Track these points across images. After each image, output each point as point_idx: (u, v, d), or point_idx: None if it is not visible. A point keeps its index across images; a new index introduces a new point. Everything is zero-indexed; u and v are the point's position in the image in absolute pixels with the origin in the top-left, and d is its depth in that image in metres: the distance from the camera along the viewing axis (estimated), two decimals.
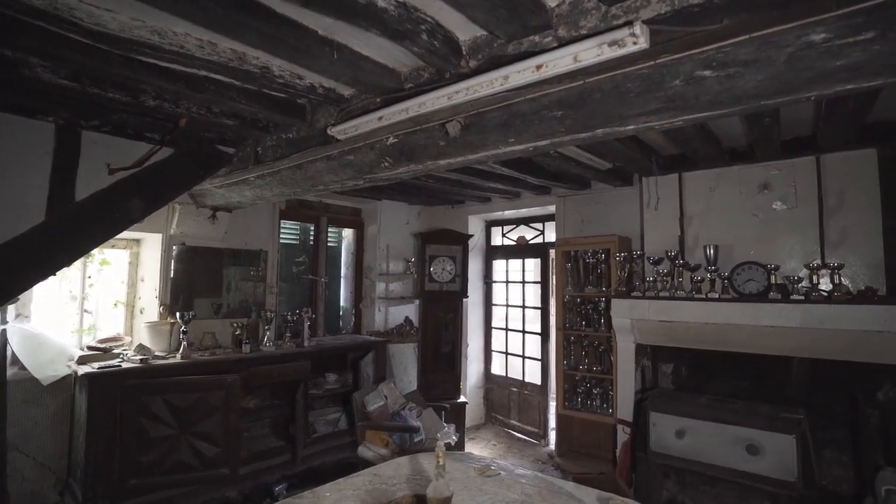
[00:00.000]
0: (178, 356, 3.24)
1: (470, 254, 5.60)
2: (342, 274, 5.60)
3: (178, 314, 3.36)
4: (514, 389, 5.40)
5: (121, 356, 3.18)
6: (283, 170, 2.63)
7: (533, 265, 5.48)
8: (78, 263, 3.58)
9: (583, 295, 4.40)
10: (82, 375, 2.83)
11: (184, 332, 3.30)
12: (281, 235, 4.78)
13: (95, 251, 3.68)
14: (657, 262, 3.70)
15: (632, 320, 3.61)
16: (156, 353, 3.31)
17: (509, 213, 5.56)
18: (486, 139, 1.86)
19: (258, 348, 3.67)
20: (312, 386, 3.88)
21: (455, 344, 4.98)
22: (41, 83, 2.00)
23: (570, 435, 4.26)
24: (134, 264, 3.82)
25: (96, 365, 2.96)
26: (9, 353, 3.04)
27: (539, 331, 5.20)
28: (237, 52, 1.78)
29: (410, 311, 5.47)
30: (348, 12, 1.41)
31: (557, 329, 4.52)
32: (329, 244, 5.46)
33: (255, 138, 2.88)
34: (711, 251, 3.43)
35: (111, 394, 2.83)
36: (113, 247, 3.71)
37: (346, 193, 5.13)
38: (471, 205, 5.68)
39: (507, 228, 5.81)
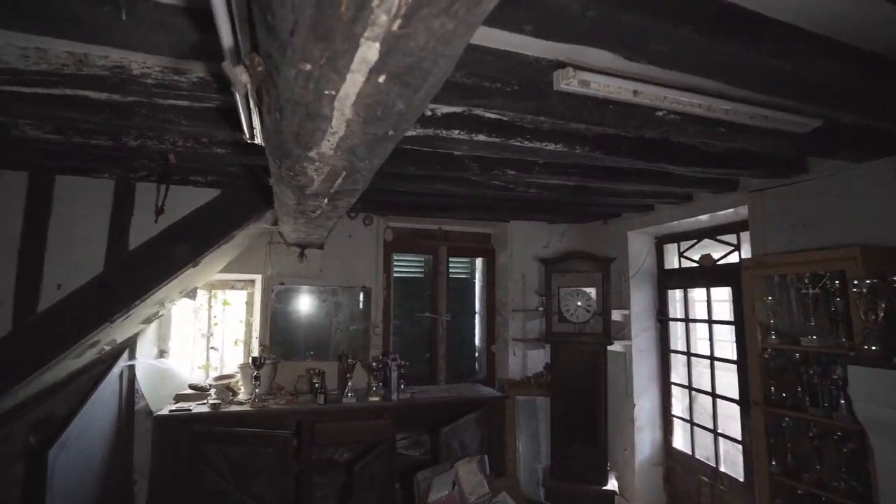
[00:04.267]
0: (249, 404, 3.11)
1: (635, 281, 4.20)
2: (476, 310, 4.92)
3: (250, 358, 3.27)
4: (706, 479, 3.66)
5: (208, 398, 3.23)
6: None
7: (724, 296, 3.72)
8: (205, 303, 3.93)
9: (800, 348, 2.62)
10: (154, 416, 2.92)
11: (256, 378, 3.17)
12: (395, 269, 4.45)
13: (219, 292, 3.99)
14: None
15: None
16: (237, 398, 3.26)
17: (686, 224, 3.94)
18: None
19: (339, 399, 3.30)
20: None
21: (596, 407, 3.65)
22: (31, 140, 2.06)
23: None
24: (250, 304, 4.00)
25: (175, 406, 3.04)
26: (137, 387, 3.43)
27: (737, 397, 3.42)
28: (76, 55, 1.41)
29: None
30: None
31: (754, 403, 2.81)
32: (460, 276, 4.89)
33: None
34: None
35: (176, 439, 2.83)
36: (232, 287, 3.96)
37: (472, 217, 4.51)
38: (629, 217, 4.29)
39: (684, 244, 4.15)
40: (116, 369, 3.10)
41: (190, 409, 2.98)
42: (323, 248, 3.75)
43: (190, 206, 2.79)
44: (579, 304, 3.72)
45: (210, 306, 3.91)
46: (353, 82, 0.80)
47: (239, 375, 3.47)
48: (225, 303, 3.97)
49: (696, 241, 3.99)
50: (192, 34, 1.21)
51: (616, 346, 4.00)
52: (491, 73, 1.55)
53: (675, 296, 4.24)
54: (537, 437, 4.02)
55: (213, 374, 3.83)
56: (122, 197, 2.70)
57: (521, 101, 1.67)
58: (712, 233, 3.81)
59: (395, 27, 0.63)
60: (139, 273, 2.67)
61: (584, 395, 3.62)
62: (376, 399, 3.35)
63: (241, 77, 0.87)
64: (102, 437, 2.91)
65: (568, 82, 1.56)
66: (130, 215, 2.70)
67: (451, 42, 0.69)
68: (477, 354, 4.83)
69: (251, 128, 1.41)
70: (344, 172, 1.41)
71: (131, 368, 3.37)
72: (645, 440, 4.12)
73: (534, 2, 1.08)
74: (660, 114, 1.84)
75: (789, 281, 2.76)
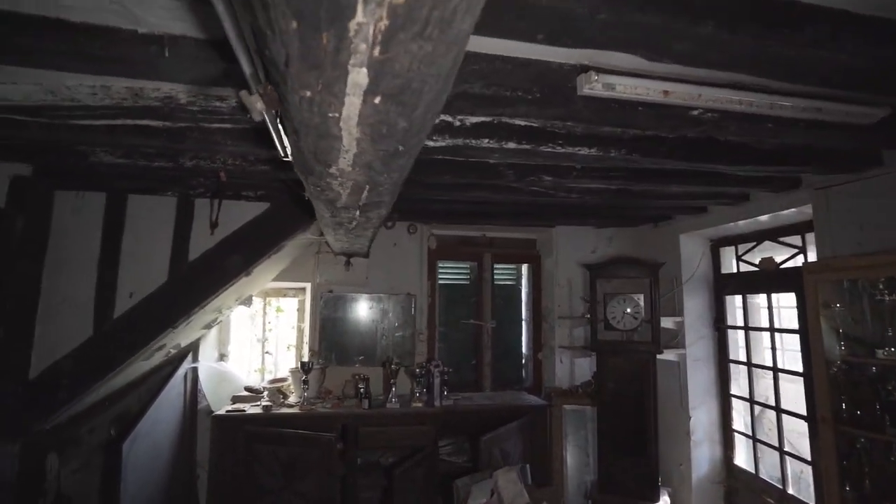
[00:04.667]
0: (298, 406, 3.26)
1: (689, 286, 3.99)
2: (523, 317, 4.86)
3: (300, 363, 3.42)
4: (771, 501, 3.39)
5: (261, 400, 3.42)
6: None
7: (788, 302, 3.44)
8: (260, 309, 4.17)
9: (876, 361, 2.39)
10: (213, 416, 3.13)
11: (304, 382, 3.32)
12: (440, 276, 4.50)
13: (273, 299, 4.22)
14: None
15: None
16: (287, 401, 3.43)
17: (744, 225, 3.70)
18: None
19: (383, 404, 3.38)
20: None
21: (646, 418, 3.48)
22: (105, 165, 2.30)
23: None
24: (301, 311, 4.19)
25: (231, 407, 3.25)
26: (199, 387, 3.70)
27: (805, 413, 3.15)
28: (132, 89, 1.57)
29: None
30: None
31: (822, 420, 2.57)
32: (506, 283, 4.87)
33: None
34: None
35: (232, 438, 3.02)
36: (284, 295, 4.18)
37: (515, 224, 4.49)
38: (681, 219, 4.09)
39: (742, 247, 3.89)
40: (181, 371, 3.36)
41: (244, 410, 3.17)
42: (368, 257, 3.87)
43: (242, 220, 2.98)
44: (627, 310, 3.58)
45: (265, 313, 4.14)
46: (352, 104, 0.84)
47: (290, 379, 3.65)
48: (278, 310, 4.19)
49: (755, 243, 3.73)
50: (223, 63, 1.32)
51: (668, 355, 3.81)
52: (512, 83, 1.55)
53: (735, 302, 3.97)
54: (586, 449, 3.90)
55: (268, 377, 4.05)
56: (183, 212, 2.93)
57: (546, 108, 1.66)
58: (773, 234, 3.55)
59: (376, 53, 0.67)
60: (198, 282, 2.89)
61: (632, 405, 3.47)
62: (419, 405, 3.40)
63: (256, 105, 0.94)
64: (169, 433, 3.16)
65: (591, 86, 1.53)
66: (190, 229, 2.93)
67: (435, 62, 0.72)
68: (524, 362, 4.77)
69: (283, 146, 1.50)
70: (367, 186, 1.47)
71: (194, 370, 3.64)
72: (703, 456, 3.88)
73: (542, 10, 1.09)
74: (695, 113, 1.76)
75: (861, 287, 2.53)
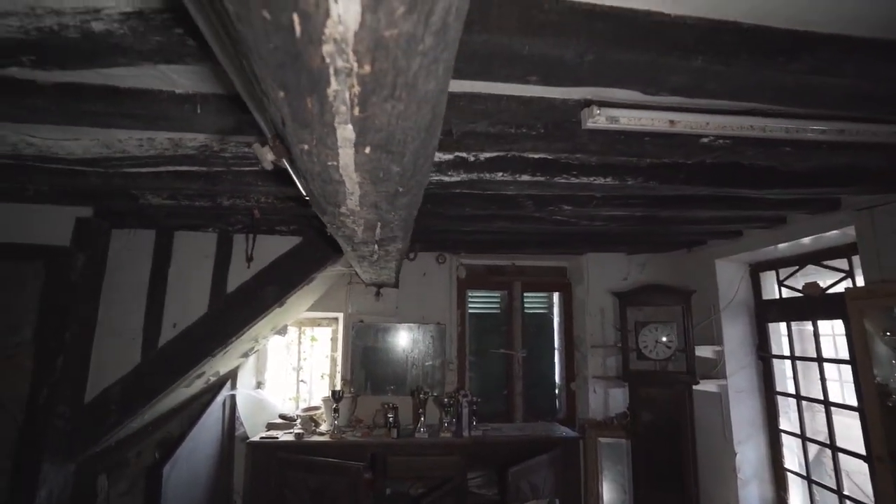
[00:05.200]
0: (329, 434, 3.33)
1: (727, 313, 3.83)
2: (555, 346, 4.79)
3: (330, 391, 3.50)
4: None
5: (294, 427, 3.52)
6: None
7: (834, 329, 3.24)
8: (295, 339, 4.32)
9: None
10: (247, 442, 3.24)
11: (335, 411, 3.39)
12: (470, 306, 4.53)
13: (307, 329, 4.37)
14: None
15: None
16: (319, 429, 3.51)
17: (784, 248, 3.54)
18: None
19: (411, 433, 3.40)
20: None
21: (683, 453, 3.31)
22: (153, 206, 2.53)
23: None
24: (335, 340, 4.31)
25: (265, 434, 3.35)
26: (237, 414, 3.84)
27: (864, 451, 2.91)
28: (173, 140, 1.75)
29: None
30: None
31: (877, 459, 2.38)
32: (537, 311, 4.83)
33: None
34: None
35: (265, 464, 3.11)
36: (318, 325, 4.32)
37: (542, 252, 4.49)
38: (716, 244, 3.96)
39: (784, 272, 3.71)
40: (220, 398, 3.52)
41: (277, 438, 3.27)
42: (398, 287, 3.96)
43: (276, 253, 3.15)
44: (661, 339, 3.47)
45: (300, 342, 4.28)
46: (346, 154, 0.93)
47: (322, 407, 3.73)
48: (313, 339, 4.33)
49: (797, 267, 3.56)
50: (246, 115, 1.46)
51: (707, 386, 3.64)
52: (517, 120, 1.62)
53: (780, 329, 3.77)
54: (623, 484, 3.73)
55: (303, 405, 4.16)
56: (223, 247, 3.14)
57: (553, 142, 1.71)
58: (816, 258, 3.38)
59: (356, 112, 0.75)
60: (235, 313, 3.06)
61: (668, 438, 3.32)
62: (447, 435, 3.39)
63: (266, 155, 1.05)
64: (207, 458, 3.29)
65: (594, 120, 1.57)
66: (229, 263, 3.12)
67: (411, 118, 0.79)
68: (557, 392, 4.67)
69: (302, 188, 1.62)
70: (379, 223, 1.56)
71: (233, 397, 3.80)
72: (751, 496, 3.63)
73: (529, 57, 1.15)
74: (705, 140, 1.76)
75: None
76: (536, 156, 2.09)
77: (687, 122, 1.63)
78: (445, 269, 4.38)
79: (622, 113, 1.59)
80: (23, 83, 1.36)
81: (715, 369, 3.77)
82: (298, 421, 3.57)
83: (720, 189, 2.31)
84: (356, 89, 0.68)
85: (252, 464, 3.16)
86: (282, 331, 3.96)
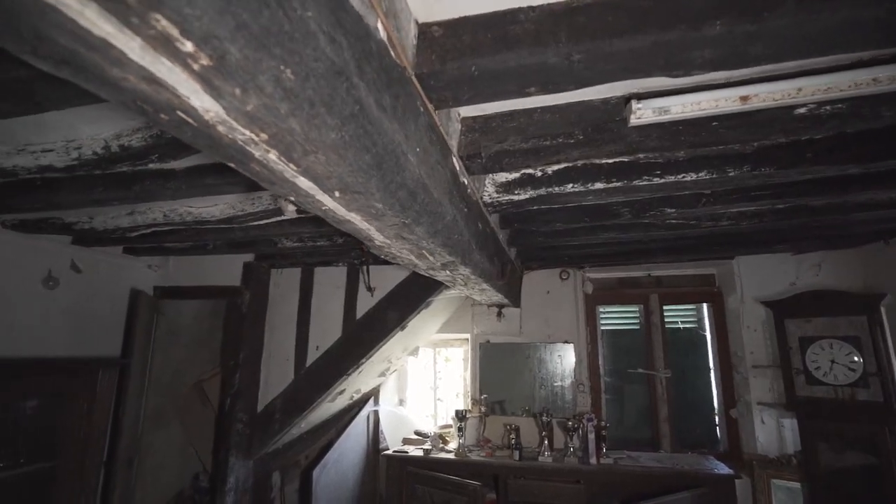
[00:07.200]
0: (454, 452, 3.45)
1: None
2: (710, 366, 4.15)
3: (454, 411, 3.62)
4: None
5: (426, 443, 3.73)
6: None
7: None
8: (430, 359, 4.60)
9: None
10: (382, 454, 3.55)
11: (460, 430, 3.50)
12: (603, 322, 4.24)
13: (441, 349, 4.61)
14: None
15: None
16: (447, 447, 3.65)
17: None
18: None
19: (535, 457, 3.31)
20: None
21: None
22: (288, 248, 3.05)
23: None
24: (466, 360, 4.46)
25: (399, 448, 3.63)
26: (381, 428, 4.24)
27: None
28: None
29: None
30: None
31: None
32: (684, 325, 4.28)
33: None
34: None
35: (398, 475, 3.37)
36: (451, 346, 4.53)
37: (676, 259, 3.99)
38: None
39: None
40: (363, 413, 3.95)
41: (408, 452, 3.52)
42: (520, 307, 3.95)
43: (395, 281, 3.46)
44: (849, 358, 2.74)
45: (435, 362, 4.55)
46: (328, 200, 1.06)
47: (453, 426, 3.88)
48: (447, 359, 4.55)
49: None
50: None
51: None
52: (552, 131, 1.56)
53: None
54: None
55: (439, 422, 4.38)
56: (351, 278, 3.58)
57: (601, 147, 1.59)
58: None
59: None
60: (363, 337, 3.44)
61: (860, 488, 2.56)
62: (573, 461, 3.20)
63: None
64: (354, 465, 3.71)
65: (638, 116, 1.42)
66: (357, 291, 3.54)
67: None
68: (717, 420, 4.01)
69: None
70: (424, 251, 1.65)
71: (376, 413, 4.21)
72: None
73: (515, 69, 1.13)
74: (802, 111, 1.43)
75: None
76: (610, 161, 1.94)
77: (764, 94, 1.35)
78: (570, 285, 4.20)
79: (672, 101, 1.40)
80: (163, 171, 1.83)
81: None
82: (430, 437, 3.78)
83: (870, 165, 1.80)
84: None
85: (388, 475, 3.46)
86: (414, 352, 4.26)
